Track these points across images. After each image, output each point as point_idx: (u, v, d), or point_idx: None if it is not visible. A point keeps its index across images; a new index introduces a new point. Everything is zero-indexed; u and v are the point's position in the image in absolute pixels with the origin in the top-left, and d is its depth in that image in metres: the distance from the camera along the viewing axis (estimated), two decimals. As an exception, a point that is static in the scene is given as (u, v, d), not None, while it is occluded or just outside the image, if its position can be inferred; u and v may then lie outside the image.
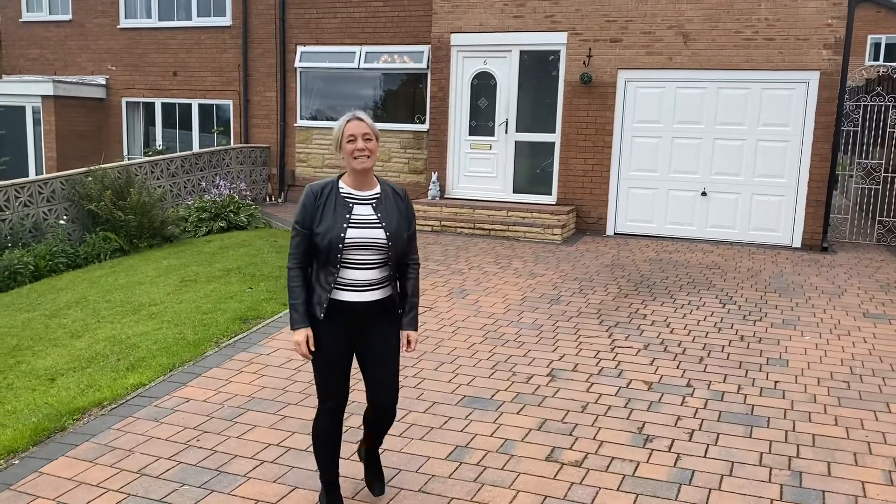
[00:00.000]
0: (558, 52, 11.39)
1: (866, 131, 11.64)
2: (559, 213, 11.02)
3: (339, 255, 3.16)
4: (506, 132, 11.86)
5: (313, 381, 4.85)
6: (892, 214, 11.33)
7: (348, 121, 3.20)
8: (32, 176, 13.53)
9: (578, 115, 11.34)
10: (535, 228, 10.75)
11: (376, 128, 3.24)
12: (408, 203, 3.34)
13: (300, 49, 14.01)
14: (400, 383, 4.78)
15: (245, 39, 14.35)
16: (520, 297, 7.37)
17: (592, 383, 5.04)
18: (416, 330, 3.39)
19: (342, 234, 3.14)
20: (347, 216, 3.18)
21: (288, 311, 4.82)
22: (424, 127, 13.12)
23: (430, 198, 11.97)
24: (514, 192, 11.95)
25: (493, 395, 4.80)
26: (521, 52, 11.62)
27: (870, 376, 5.22)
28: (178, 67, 15.02)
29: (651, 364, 5.46)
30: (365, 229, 3.18)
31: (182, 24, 14.90)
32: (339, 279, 3.20)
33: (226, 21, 14.53)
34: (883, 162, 11.64)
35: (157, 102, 15.39)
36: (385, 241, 3.19)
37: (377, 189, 3.28)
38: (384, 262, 3.24)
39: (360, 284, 3.22)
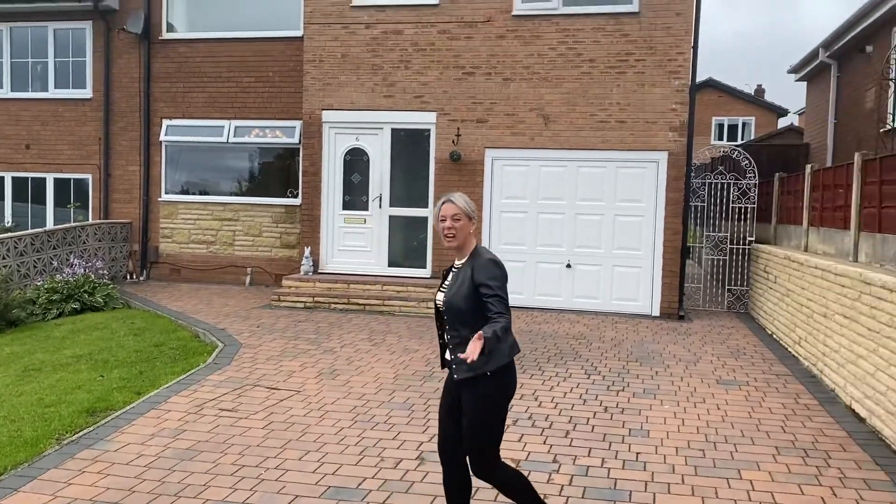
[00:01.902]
0: (429, 130, 11.69)
1: (712, 206, 12.59)
2: (434, 286, 11.10)
3: (439, 317, 3.64)
4: (380, 206, 11.93)
5: (163, 480, 4.52)
6: (739, 283, 12.20)
7: (443, 203, 3.64)
8: None
9: (450, 191, 11.58)
10: (410, 302, 10.75)
11: (468, 208, 3.59)
12: (478, 268, 3.48)
13: (166, 123, 13.64)
14: (263, 476, 4.55)
15: (107, 112, 13.82)
16: (392, 375, 7.27)
17: (461, 464, 4.97)
18: (484, 336, 3.18)
19: (435, 298, 3.64)
20: (442, 283, 3.66)
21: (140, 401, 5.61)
22: (297, 201, 12.99)
23: (302, 273, 11.76)
24: (390, 265, 11.97)
25: (359, 484, 4.63)
26: (393, 130, 11.84)
27: (723, 443, 5.46)
28: (32, 140, 14.22)
29: (519, 440, 5.47)
30: (439, 293, 3.62)
31: (38, 96, 14.19)
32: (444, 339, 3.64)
33: (86, 94, 13.97)
34: (728, 234, 12.60)
35: (8, 176, 14.44)
36: (443, 304, 3.55)
37: (465, 260, 3.60)
38: (447, 324, 3.56)
39: (442, 347, 3.66)
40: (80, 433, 5.50)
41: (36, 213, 14.40)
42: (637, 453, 5.23)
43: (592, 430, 5.71)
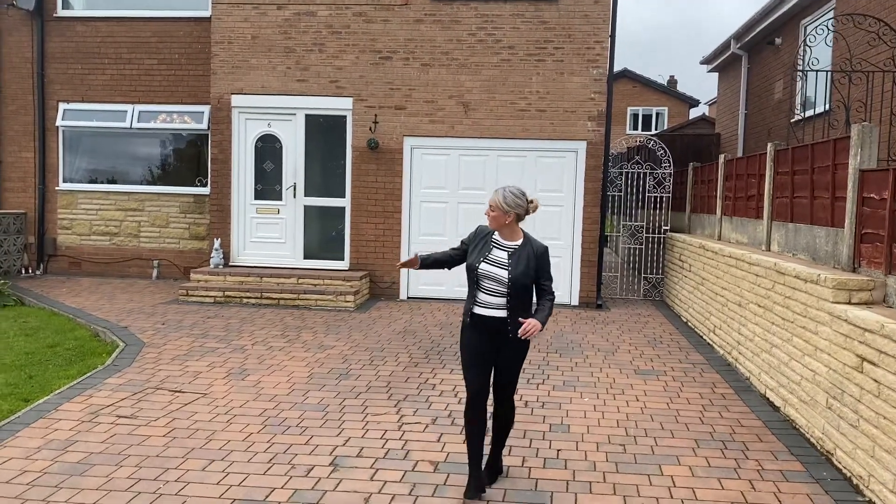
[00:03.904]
0: (345, 117, 11.32)
1: (629, 195, 12.72)
2: (352, 278, 10.78)
3: (475, 281, 4.35)
4: (294, 196, 11.50)
5: (48, 500, 4.11)
6: (654, 271, 12.38)
7: (494, 193, 4.41)
8: None
9: (367, 180, 11.28)
10: (326, 296, 10.40)
11: (504, 204, 4.33)
12: (539, 257, 4.37)
13: (63, 106, 12.75)
14: (161, 491, 4.17)
15: (-4, 94, 12.82)
16: (307, 373, 6.94)
17: (377, 469, 4.73)
18: (539, 321, 4.23)
19: (477, 265, 4.35)
20: (487, 254, 4.37)
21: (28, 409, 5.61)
22: (206, 190, 12.39)
23: (212, 266, 11.21)
24: (305, 257, 11.57)
25: (267, 496, 4.32)
26: (308, 116, 11.40)
27: (643, 437, 5.41)
28: (-90, 123, 13.04)
29: (438, 441, 5.27)
30: (494, 267, 4.31)
31: (-85, 74, 13.01)
32: (476, 299, 4.37)
33: (-29, 73, 12.90)
34: (644, 223, 12.75)
35: None
36: (506, 279, 4.28)
37: (518, 243, 4.39)
38: (506, 294, 4.28)
39: (486, 304, 4.34)
40: (-45, 449, 4.96)
41: (-83, 202, 13.23)
42: (558, 450, 5.11)
43: (514, 427, 5.55)
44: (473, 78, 11.01)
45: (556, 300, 10.87)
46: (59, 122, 12.75)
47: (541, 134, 10.95)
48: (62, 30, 12.67)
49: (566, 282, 11.00)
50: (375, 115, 11.16)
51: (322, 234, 11.62)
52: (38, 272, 12.87)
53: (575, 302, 11.03)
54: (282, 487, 4.44)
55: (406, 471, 4.72)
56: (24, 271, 12.81)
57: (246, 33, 11.30)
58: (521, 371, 4.65)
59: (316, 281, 10.76)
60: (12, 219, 12.66)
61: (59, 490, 4.33)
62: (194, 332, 8.49)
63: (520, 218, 4.38)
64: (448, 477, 4.61)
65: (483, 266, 4.34)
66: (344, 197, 11.44)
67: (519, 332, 4.19)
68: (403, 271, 11.27)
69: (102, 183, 12.88)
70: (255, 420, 5.62)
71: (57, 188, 12.87)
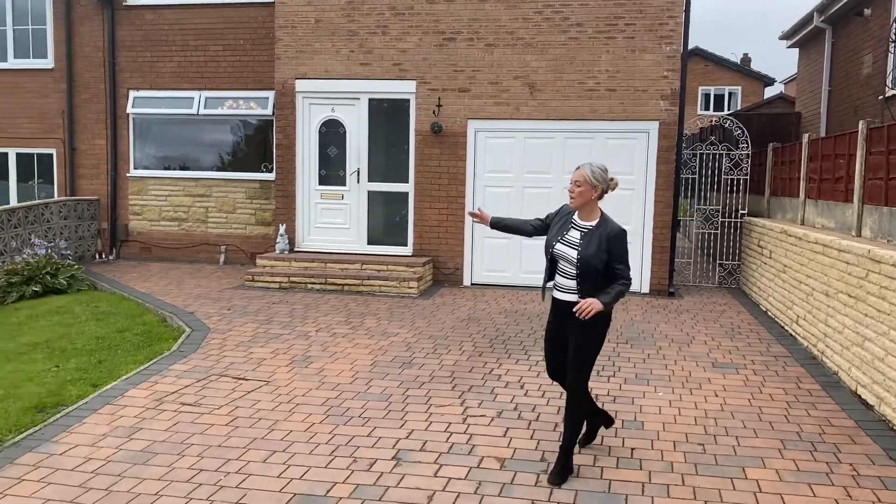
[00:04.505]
0: (408, 100, 11.13)
1: (703, 178, 12.16)
2: (415, 264, 10.63)
3: (551, 261, 4.40)
4: (357, 181, 11.40)
5: (110, 489, 4.07)
6: (730, 258, 11.81)
7: (576, 168, 4.30)
8: None
9: (430, 165, 11.09)
10: (390, 282, 10.29)
11: (592, 178, 4.21)
12: (611, 239, 4.21)
13: (133, 94, 12.97)
14: (222, 482, 4.02)
15: (70, 83, 13.11)
16: (370, 361, 6.82)
17: (441, 465, 4.55)
18: (602, 302, 4.14)
19: (554, 244, 4.36)
20: (564, 234, 4.34)
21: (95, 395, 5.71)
22: (272, 176, 12.42)
23: (277, 252, 11.23)
24: (369, 243, 11.47)
25: (328, 491, 4.19)
26: (370, 100, 11.26)
27: (723, 436, 5.07)
28: (-8, 113, 13.50)
29: (504, 435, 5.05)
30: (566, 247, 4.30)
31: (-5, 66, 13.45)
32: (554, 281, 4.43)
33: (47, 63, 13.24)
34: (720, 207, 12.18)
35: (-33, 151, 13.72)
36: (576, 260, 4.22)
37: (593, 224, 4.28)
38: (576, 276, 4.24)
39: (561, 287, 4.39)
40: (26, 433, 5.02)
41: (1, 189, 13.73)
42: (632, 449, 4.82)
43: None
44: (539, 57, 10.65)
45: (626, 287, 10.57)
46: (129, 110, 12.98)
47: (610, 114, 10.52)
48: (132, 18, 12.87)
49: (636, 268, 10.58)
50: (439, 98, 10.94)
51: (385, 220, 11.50)
52: (111, 257, 13.19)
53: (646, 289, 10.62)
54: (343, 482, 4.30)
55: (471, 467, 4.52)
56: (97, 256, 13.15)
57: (309, 17, 11.21)
58: (591, 362, 4.38)
59: (379, 267, 10.66)
60: (86, 205, 12.98)
61: (121, 479, 4.31)
62: (259, 318, 8.49)
63: (601, 195, 4.30)
64: (515, 476, 4.39)
65: (558, 246, 4.35)
66: (407, 182, 11.27)
67: (575, 308, 4.16)
68: (467, 257, 11.06)
69: (171, 169, 13.08)
70: (317, 410, 5.52)
71: (128, 174, 13.12)
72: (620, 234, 4.26)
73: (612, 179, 4.31)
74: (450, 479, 4.35)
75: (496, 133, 10.92)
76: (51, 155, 13.44)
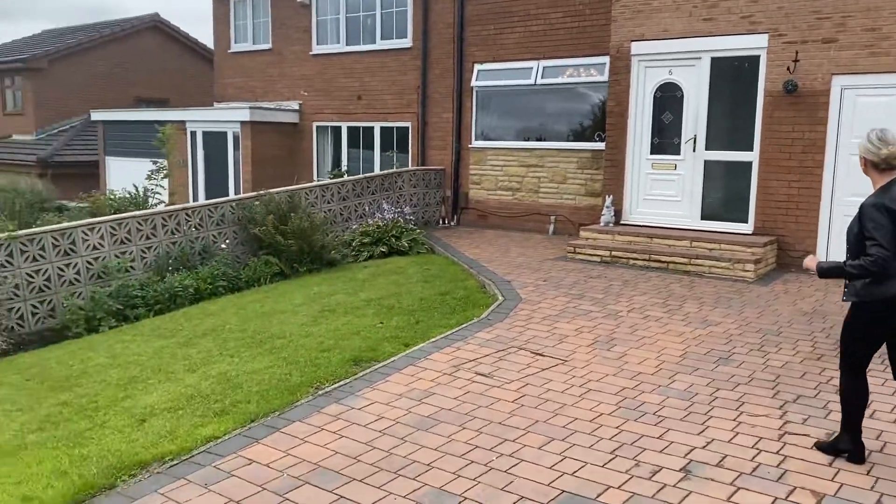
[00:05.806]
0: (757, 57, 9.79)
1: None
2: (755, 245, 9.42)
3: None
4: (693, 150, 10.44)
5: (390, 451, 4.15)
6: None
7: None
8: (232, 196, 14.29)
9: (781, 131, 9.66)
10: (722, 263, 9.26)
11: (864, 150, 4.01)
12: (858, 213, 3.93)
13: (477, 67, 13.55)
14: (492, 464, 3.88)
15: (424, 60, 14.18)
16: (680, 352, 6.15)
17: (737, 488, 3.82)
18: (819, 263, 4.08)
19: None
20: None
21: (404, 354, 6.11)
22: (603, 146, 12.01)
23: (602, 224, 10.84)
24: (702, 218, 10.47)
25: (599, 494, 3.78)
26: (713, 59, 10.16)
27: None
28: (363, 91, 15.23)
29: (831, 465, 4.09)
30: None
31: (367, 48, 15.10)
32: None
33: (406, 43, 14.48)
34: None
35: (344, 126, 15.73)
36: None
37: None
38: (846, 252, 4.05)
39: None
40: (339, 383, 5.46)
41: (367, 158, 15.51)
42: None
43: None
44: (937, -6, 8.51)
45: None
46: (473, 83, 13.60)
47: None
48: (479, -7, 13.39)
49: None
50: (796, 52, 9.41)
51: (723, 193, 10.36)
52: (452, 223, 14.09)
53: None
54: (618, 487, 3.85)
55: (776, 497, 3.73)
56: (441, 222, 14.14)
57: (648, -27, 10.46)
58: (845, 344, 4.12)
59: (711, 245, 9.65)
60: (433, 174, 14.00)
61: (403, 443, 4.41)
62: (572, 293, 8.24)
63: (875, 166, 3.97)
64: (835, 521, 3.50)
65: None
66: (751, 150, 9.98)
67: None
68: (822, 239, 9.47)
69: (507, 140, 13.43)
70: (609, 399, 5.09)
71: (469, 146, 13.81)
72: (867, 207, 3.89)
73: (880, 149, 3.90)
74: (746, 508, 3.63)
75: (871, 90, 9.05)
76: (407, 128, 14.75)
